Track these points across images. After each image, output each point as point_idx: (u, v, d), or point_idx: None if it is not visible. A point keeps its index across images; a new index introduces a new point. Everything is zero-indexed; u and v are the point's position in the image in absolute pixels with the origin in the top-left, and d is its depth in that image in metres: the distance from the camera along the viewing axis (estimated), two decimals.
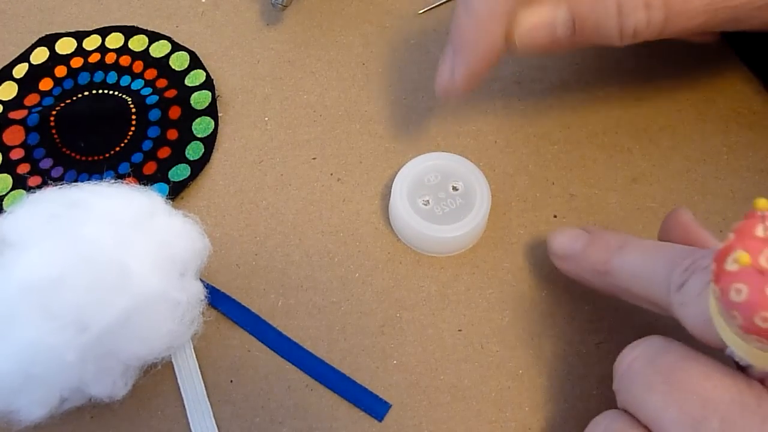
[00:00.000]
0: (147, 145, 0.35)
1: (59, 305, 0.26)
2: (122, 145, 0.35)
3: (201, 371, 0.31)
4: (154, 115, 0.36)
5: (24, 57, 0.38)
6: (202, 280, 0.31)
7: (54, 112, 0.36)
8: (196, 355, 0.31)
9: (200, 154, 0.35)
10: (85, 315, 0.27)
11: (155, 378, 0.31)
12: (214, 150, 0.36)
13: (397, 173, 0.34)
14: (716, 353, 0.24)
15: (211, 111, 0.37)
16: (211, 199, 0.35)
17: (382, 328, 0.33)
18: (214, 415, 0.30)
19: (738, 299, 0.21)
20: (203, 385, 0.31)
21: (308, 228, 0.35)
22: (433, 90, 0.38)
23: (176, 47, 0.38)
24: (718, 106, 0.38)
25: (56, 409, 0.28)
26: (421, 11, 0.41)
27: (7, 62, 0.38)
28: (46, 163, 0.35)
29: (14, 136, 0.35)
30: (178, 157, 0.35)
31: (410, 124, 0.37)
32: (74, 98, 0.37)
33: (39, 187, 0.34)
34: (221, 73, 0.38)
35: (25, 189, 0.34)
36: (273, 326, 0.32)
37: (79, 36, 0.39)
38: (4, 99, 0.37)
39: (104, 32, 0.39)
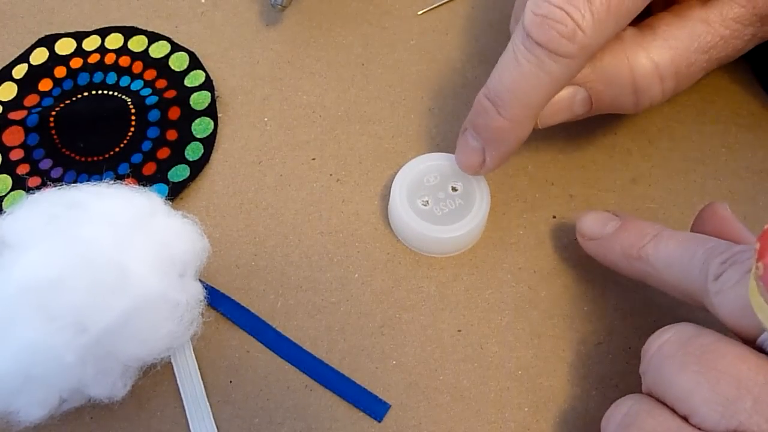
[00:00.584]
0: (146, 145, 0.35)
1: (58, 306, 0.26)
2: (122, 145, 0.35)
3: (200, 372, 0.31)
4: (154, 115, 0.36)
5: (23, 57, 0.38)
6: (201, 281, 0.31)
7: (53, 113, 0.36)
8: (195, 356, 0.31)
9: (200, 154, 0.35)
10: (85, 316, 0.27)
11: (155, 379, 0.31)
12: (213, 151, 0.36)
13: (396, 174, 0.34)
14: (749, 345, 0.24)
15: (211, 111, 0.37)
16: (211, 200, 0.35)
17: (382, 328, 0.33)
18: (213, 416, 0.30)
19: None
20: (202, 385, 0.31)
21: (307, 229, 0.35)
22: (433, 90, 0.38)
23: (176, 48, 0.38)
24: (717, 108, 0.38)
25: (56, 410, 0.28)
26: (421, 12, 0.41)
27: (7, 63, 0.38)
28: (45, 164, 0.35)
29: (14, 136, 0.35)
30: (178, 157, 0.35)
31: (410, 124, 0.38)
32: (74, 99, 0.37)
33: (38, 187, 0.34)
34: (220, 74, 0.38)
35: (24, 190, 0.34)
36: (272, 327, 0.32)
37: (79, 36, 0.39)
38: (3, 99, 0.37)
39: (104, 33, 0.39)
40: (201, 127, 0.36)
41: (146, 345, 0.29)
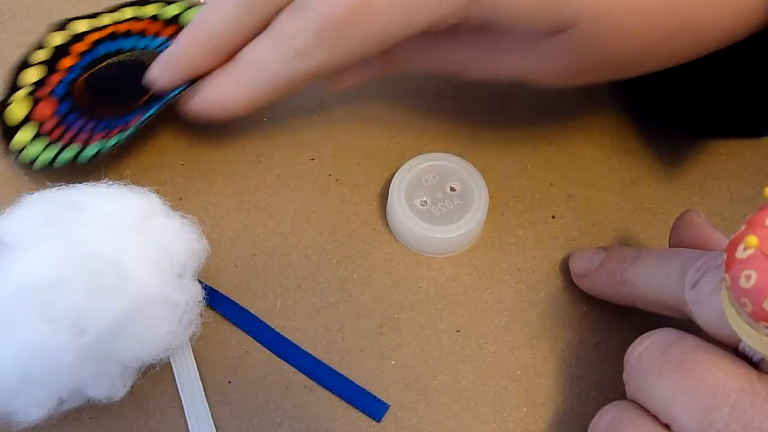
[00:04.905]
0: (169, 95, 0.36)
1: (57, 307, 0.26)
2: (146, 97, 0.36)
3: (199, 372, 0.31)
4: None
5: (40, 44, 0.39)
6: (200, 282, 0.31)
7: (79, 81, 0.36)
8: (194, 356, 0.31)
9: None
10: (83, 317, 0.27)
11: (153, 379, 0.31)
12: (213, 151, 0.36)
13: (394, 174, 0.34)
14: (729, 350, 0.24)
15: None
16: (209, 200, 0.35)
17: (381, 328, 0.33)
18: (212, 416, 0.30)
19: (747, 285, 0.21)
20: (201, 386, 0.31)
21: (306, 229, 0.35)
22: (433, 90, 0.38)
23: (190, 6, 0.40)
24: None
25: (54, 411, 0.28)
26: None
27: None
28: (78, 124, 0.35)
29: (44, 110, 0.36)
30: None
31: (409, 124, 0.37)
32: (97, 67, 0.37)
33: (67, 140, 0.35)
34: None
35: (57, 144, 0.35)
36: (271, 327, 0.32)
37: (92, 16, 0.39)
38: (31, 81, 0.37)
39: (115, 9, 0.40)
40: None
41: (145, 345, 0.29)
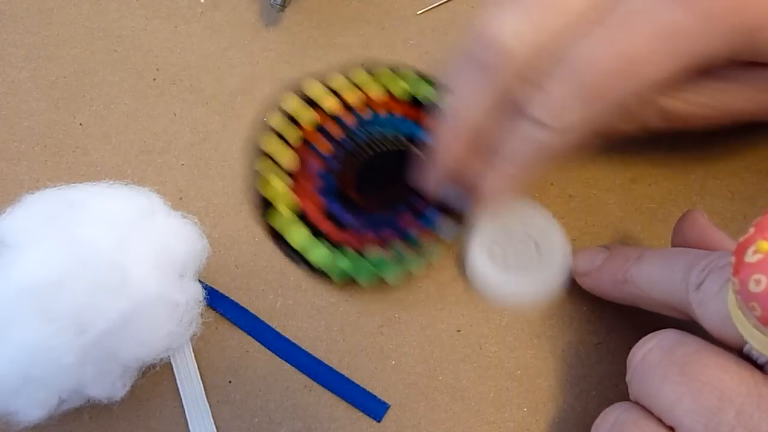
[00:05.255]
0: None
1: (58, 307, 0.26)
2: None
3: (200, 372, 0.31)
4: None
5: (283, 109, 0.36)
6: (200, 281, 0.31)
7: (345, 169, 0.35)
8: (194, 356, 0.31)
9: None
10: (84, 317, 0.27)
11: (154, 379, 0.31)
12: (214, 150, 0.36)
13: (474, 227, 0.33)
14: (733, 352, 0.24)
15: None
16: (210, 200, 0.35)
17: (381, 328, 0.33)
18: (212, 416, 0.30)
19: (757, 290, 0.21)
20: (202, 385, 0.31)
21: None
22: None
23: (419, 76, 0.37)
24: None
25: (55, 410, 0.28)
26: (420, 12, 0.41)
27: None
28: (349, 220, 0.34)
29: (309, 197, 0.34)
30: None
31: None
32: (358, 155, 0.35)
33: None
34: (220, 74, 0.38)
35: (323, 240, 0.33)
36: (271, 327, 0.32)
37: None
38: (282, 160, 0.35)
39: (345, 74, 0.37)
40: None
41: (146, 345, 0.29)
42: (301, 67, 0.39)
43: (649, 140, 0.37)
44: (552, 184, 0.36)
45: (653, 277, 0.28)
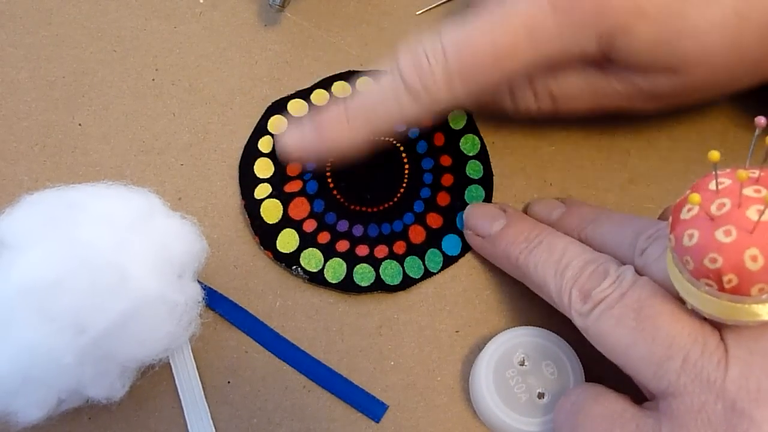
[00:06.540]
0: (425, 192, 0.35)
1: (57, 307, 0.26)
2: (401, 192, 0.35)
3: (198, 372, 0.31)
4: (427, 163, 0.35)
5: (262, 129, 0.36)
6: (199, 282, 0.31)
7: (328, 173, 0.35)
8: (193, 357, 0.31)
9: (482, 196, 0.35)
10: (83, 317, 0.27)
11: (153, 379, 0.31)
12: (212, 151, 0.36)
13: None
14: None
15: (481, 155, 0.36)
16: (209, 201, 0.35)
17: (380, 329, 0.33)
18: (211, 416, 0.31)
19: (690, 243, 0.23)
20: (201, 386, 0.31)
21: None
22: None
23: None
24: (716, 107, 0.38)
25: (54, 411, 0.28)
26: (419, 12, 0.41)
27: (246, 139, 0.36)
28: (339, 224, 0.34)
29: (300, 209, 0.34)
30: (461, 202, 0.35)
31: None
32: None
33: (330, 243, 0.34)
34: (219, 74, 0.38)
35: (316, 248, 0.34)
36: (270, 327, 0.32)
37: (305, 94, 0.37)
38: (264, 177, 0.35)
39: (327, 84, 0.38)
40: (474, 169, 0.35)
41: (145, 346, 0.29)
42: (300, 67, 0.39)
43: (648, 140, 0.37)
44: (551, 184, 0.36)
45: (605, 238, 0.29)
